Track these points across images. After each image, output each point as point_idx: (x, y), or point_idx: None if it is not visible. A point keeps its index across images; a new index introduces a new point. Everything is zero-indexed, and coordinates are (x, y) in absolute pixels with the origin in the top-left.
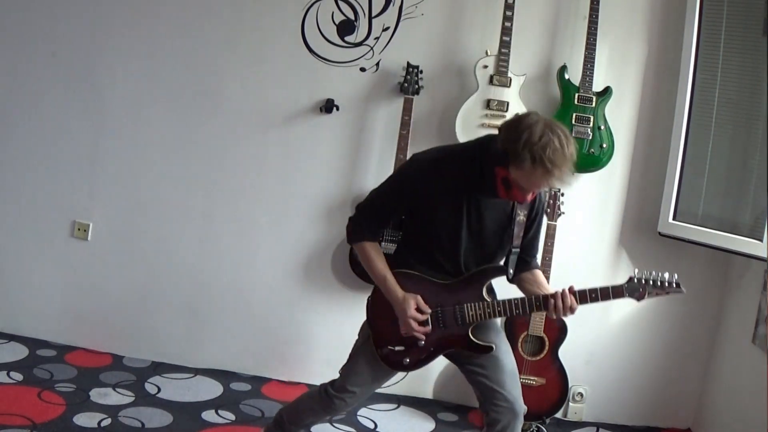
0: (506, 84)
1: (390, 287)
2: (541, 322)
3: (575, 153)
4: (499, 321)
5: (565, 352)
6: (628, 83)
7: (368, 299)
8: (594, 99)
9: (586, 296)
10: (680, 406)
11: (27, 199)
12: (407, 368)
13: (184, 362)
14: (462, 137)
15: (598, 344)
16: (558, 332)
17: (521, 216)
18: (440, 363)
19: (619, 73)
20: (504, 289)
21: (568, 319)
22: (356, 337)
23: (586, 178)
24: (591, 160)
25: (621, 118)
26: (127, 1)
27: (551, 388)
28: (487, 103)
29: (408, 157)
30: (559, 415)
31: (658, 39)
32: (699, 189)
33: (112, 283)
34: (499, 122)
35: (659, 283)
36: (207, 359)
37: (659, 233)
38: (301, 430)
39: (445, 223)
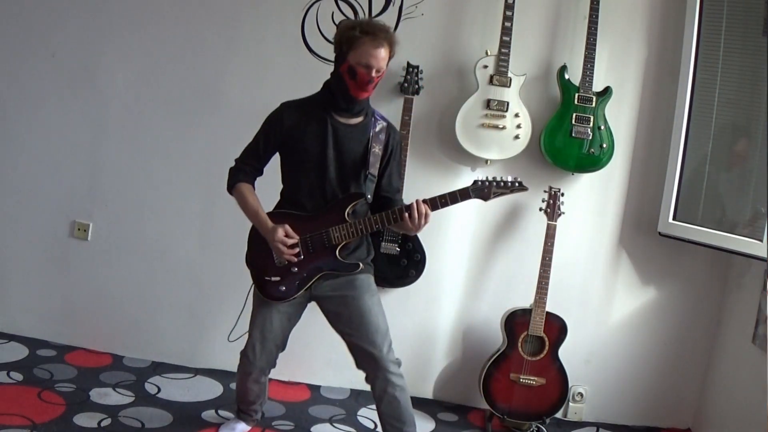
0: (506, 84)
1: (261, 220)
2: (541, 322)
3: (386, 24)
4: (373, 283)
5: (565, 352)
6: (628, 83)
7: (247, 241)
8: (594, 99)
9: (437, 202)
10: (680, 406)
11: (27, 200)
12: (285, 295)
13: (184, 362)
14: (462, 137)
15: (598, 344)
16: (558, 332)
17: (376, 148)
18: (440, 363)
19: (619, 73)
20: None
21: (569, 320)
22: None
23: (586, 178)
24: (591, 160)
25: (621, 118)
26: (126, 1)
27: (551, 388)
28: (487, 103)
29: (407, 157)
30: (559, 415)
31: (658, 39)
32: (699, 189)
33: (112, 283)
34: (499, 122)
35: (503, 183)
36: (207, 359)
37: (659, 233)
38: (256, 406)
39: (311, 151)
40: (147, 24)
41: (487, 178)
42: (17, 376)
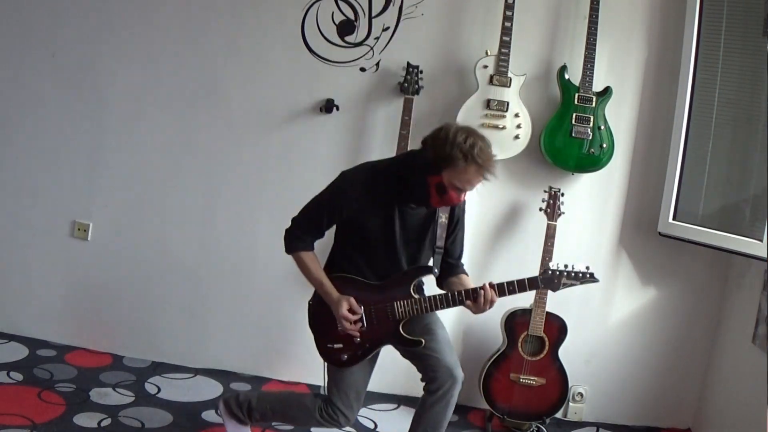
0: (506, 84)
1: (327, 290)
2: (542, 322)
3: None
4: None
5: (565, 352)
6: (628, 83)
7: (308, 304)
8: (594, 99)
9: (504, 289)
10: (680, 406)
11: (27, 199)
12: (345, 363)
13: (184, 362)
14: None
15: (598, 344)
16: (558, 332)
17: (443, 218)
18: None
19: (619, 73)
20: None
21: (569, 320)
22: None
23: (586, 178)
24: (591, 160)
25: (621, 118)
26: (127, 1)
27: (551, 388)
28: (487, 103)
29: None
30: (559, 415)
31: (658, 39)
32: (699, 189)
33: (112, 284)
34: (499, 122)
35: (573, 274)
36: (207, 359)
37: (659, 233)
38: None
39: (377, 234)
40: (147, 24)
41: (557, 266)
42: (17, 376)
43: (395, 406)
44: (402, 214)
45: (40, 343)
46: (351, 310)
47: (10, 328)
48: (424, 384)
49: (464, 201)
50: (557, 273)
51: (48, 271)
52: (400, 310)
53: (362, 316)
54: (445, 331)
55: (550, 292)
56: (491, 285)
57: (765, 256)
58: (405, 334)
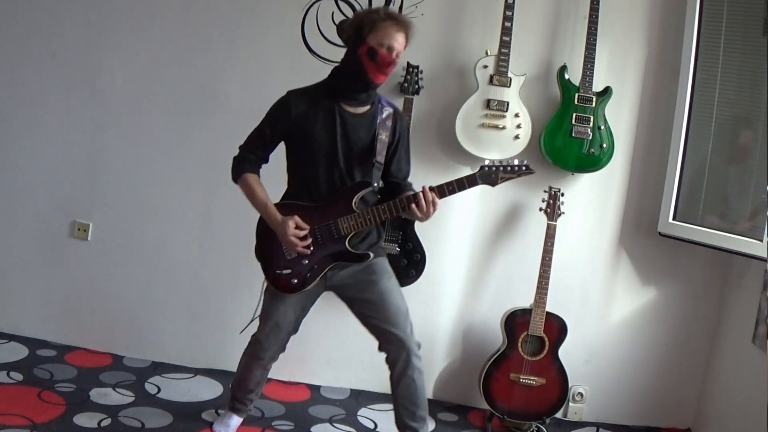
0: (506, 84)
1: (270, 212)
2: (541, 323)
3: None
4: (388, 266)
5: (565, 352)
6: (628, 83)
7: (255, 234)
8: (594, 99)
9: (444, 189)
10: (680, 406)
11: (27, 199)
12: (296, 288)
13: (184, 362)
14: (462, 137)
15: (598, 344)
16: (558, 332)
17: (383, 135)
18: (440, 363)
19: (619, 73)
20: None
21: (569, 320)
22: (352, 334)
23: (586, 178)
24: (591, 160)
25: (621, 118)
26: (127, 1)
27: (551, 388)
28: (487, 103)
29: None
30: (559, 415)
31: (658, 39)
32: (699, 189)
33: (112, 283)
34: (499, 122)
35: (509, 168)
36: (207, 359)
37: (659, 233)
38: (252, 395)
39: (320, 141)
40: (147, 24)
41: (493, 162)
42: (17, 376)
43: None
44: (343, 121)
45: (40, 343)
46: (297, 228)
47: (10, 328)
48: (385, 357)
49: (407, 124)
50: (493, 168)
51: (48, 271)
52: (344, 226)
53: (309, 236)
54: (400, 298)
55: (556, 273)
56: (431, 187)
57: (765, 256)
58: (351, 249)
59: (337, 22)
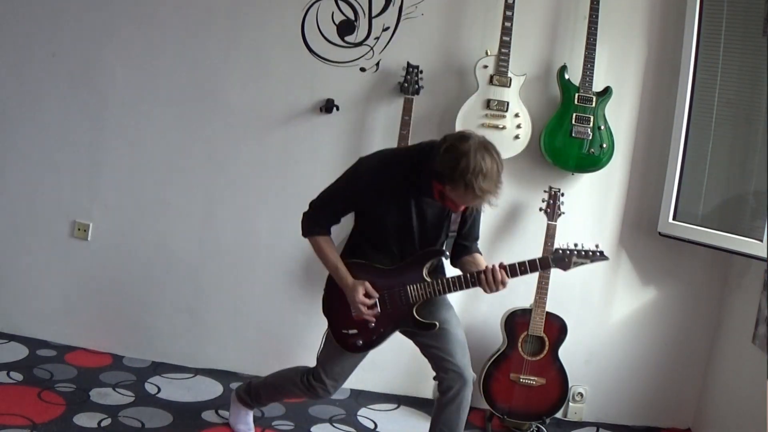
0: (506, 84)
1: (341, 275)
2: (542, 322)
3: (501, 174)
4: (448, 297)
5: (565, 352)
6: (628, 83)
7: (324, 289)
8: (594, 99)
9: (516, 269)
10: (680, 406)
11: (27, 199)
12: (361, 349)
13: (184, 362)
14: None
15: (598, 344)
16: (558, 332)
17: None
18: None
19: (619, 73)
20: None
21: (569, 320)
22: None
23: (586, 178)
24: (591, 160)
25: (621, 118)
26: (127, 1)
27: (551, 388)
28: (487, 103)
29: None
30: (559, 415)
31: (658, 39)
32: (699, 189)
33: (112, 283)
34: (499, 122)
35: (584, 253)
36: (207, 359)
37: (659, 233)
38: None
39: (393, 220)
40: (147, 24)
41: (568, 246)
42: (17, 376)
43: (395, 406)
44: (418, 202)
45: (40, 343)
46: (366, 295)
47: (10, 328)
48: (436, 383)
49: None
50: (567, 252)
51: (48, 271)
52: (413, 294)
53: (377, 302)
54: (460, 329)
55: (557, 274)
56: (501, 266)
57: (765, 256)
58: (419, 318)
59: (337, 22)
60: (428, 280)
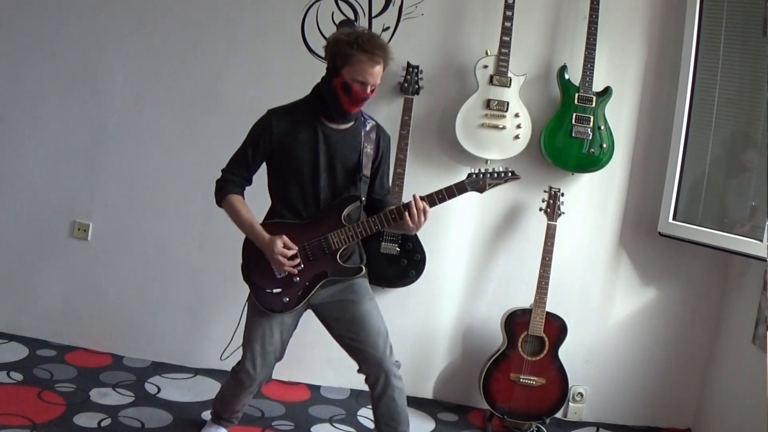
0: (506, 84)
1: (257, 232)
2: (542, 322)
3: (383, 40)
4: (368, 287)
5: (565, 352)
6: (628, 83)
7: (242, 254)
8: (594, 99)
9: (434, 198)
10: (680, 406)
11: (27, 199)
12: (288, 306)
13: (184, 362)
14: (462, 137)
15: (598, 344)
16: (558, 332)
17: (368, 149)
18: (440, 363)
19: (619, 73)
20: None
21: (569, 320)
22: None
23: (586, 178)
24: (591, 160)
25: (621, 118)
26: (127, 1)
27: (551, 388)
28: (487, 103)
29: (406, 158)
30: (559, 415)
31: (658, 39)
32: (699, 189)
33: (112, 283)
34: (499, 122)
35: (496, 174)
36: (207, 359)
37: (659, 233)
38: (238, 413)
39: (303, 159)
40: (147, 24)
41: (480, 169)
42: (17, 376)
43: None
44: (326, 137)
45: (40, 343)
46: (285, 247)
47: (10, 328)
48: (364, 378)
49: (389, 141)
50: (481, 174)
51: (48, 271)
52: (335, 240)
53: (298, 254)
54: (378, 321)
55: (557, 274)
56: (421, 197)
57: (765, 256)
58: (343, 263)
59: (337, 22)
60: (347, 225)
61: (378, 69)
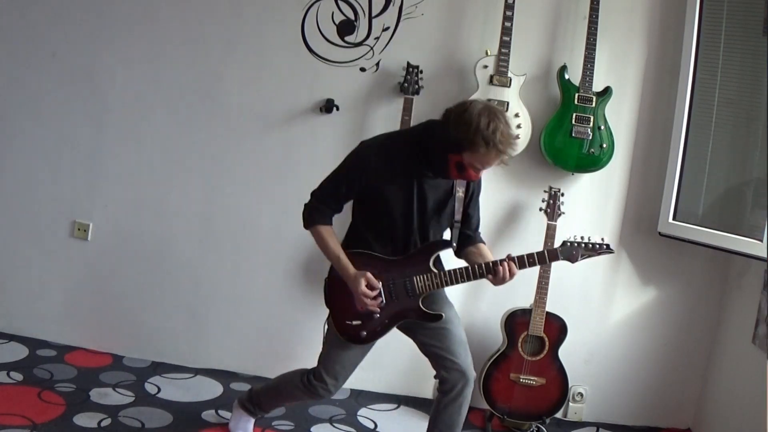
0: (506, 84)
1: (343, 266)
2: (542, 322)
3: (515, 134)
4: (448, 296)
5: (565, 352)
6: (628, 83)
7: (325, 280)
8: (594, 99)
9: (525, 261)
10: (680, 406)
11: (27, 199)
12: (365, 340)
13: (184, 362)
14: None
15: (598, 344)
16: (558, 332)
17: (460, 192)
18: None
19: (619, 73)
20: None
21: (569, 320)
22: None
23: (586, 178)
24: (591, 160)
25: (621, 118)
26: (127, 1)
27: (551, 388)
28: None
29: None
30: (559, 415)
31: (658, 39)
32: (699, 189)
33: (112, 283)
34: None
35: (590, 246)
36: (207, 359)
37: (659, 233)
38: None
39: (396, 204)
40: (147, 24)
41: (575, 238)
42: (17, 376)
43: (395, 406)
44: (420, 184)
45: (40, 343)
46: (369, 286)
47: (10, 328)
48: (437, 382)
49: (480, 179)
50: (575, 244)
51: (48, 271)
52: (419, 285)
53: (381, 292)
54: (461, 329)
55: (557, 273)
56: (510, 257)
57: (765, 256)
58: (425, 309)
59: (337, 22)
60: (435, 270)
61: (502, 161)
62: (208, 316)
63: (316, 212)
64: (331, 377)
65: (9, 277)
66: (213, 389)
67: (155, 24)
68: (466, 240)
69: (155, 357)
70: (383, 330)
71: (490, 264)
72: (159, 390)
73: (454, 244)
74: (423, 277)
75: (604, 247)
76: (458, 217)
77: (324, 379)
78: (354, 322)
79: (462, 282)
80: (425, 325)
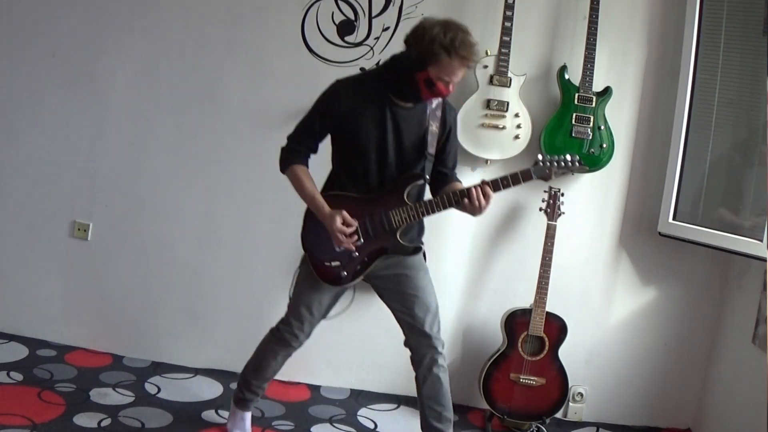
0: (506, 84)
1: (318, 205)
2: (542, 322)
3: (475, 41)
4: (423, 262)
5: (565, 352)
6: (628, 83)
7: (302, 224)
8: (594, 99)
9: (499, 183)
10: (680, 406)
11: (27, 199)
12: (346, 280)
13: (184, 362)
14: (462, 137)
15: (598, 344)
16: (558, 332)
17: (434, 126)
18: None
19: (619, 73)
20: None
21: (569, 320)
22: (352, 335)
23: (586, 178)
24: (591, 160)
25: (621, 118)
26: (127, 1)
27: (551, 388)
28: (487, 103)
29: None
30: (559, 415)
31: (658, 39)
32: (699, 189)
33: (112, 283)
34: (499, 122)
35: (563, 162)
36: (207, 359)
37: (659, 233)
38: (266, 384)
39: (370, 136)
40: (147, 24)
41: (547, 157)
42: (17, 376)
43: (395, 406)
44: (393, 115)
45: (40, 343)
46: (345, 223)
47: (10, 328)
48: (410, 356)
49: (455, 115)
50: (547, 163)
51: (48, 271)
52: (395, 218)
53: (357, 229)
54: (431, 298)
55: (557, 273)
56: (485, 181)
57: (765, 256)
58: (402, 242)
59: (337, 22)
60: (409, 203)
61: (464, 71)
62: (208, 316)
63: (291, 153)
64: (296, 319)
65: (9, 277)
66: (213, 389)
67: (155, 24)
68: (443, 179)
69: (155, 357)
70: (363, 268)
71: (465, 190)
72: (159, 390)
73: (427, 176)
74: (398, 211)
75: (576, 162)
76: (431, 149)
77: (290, 321)
78: (333, 263)
79: (438, 211)
80: (399, 289)
